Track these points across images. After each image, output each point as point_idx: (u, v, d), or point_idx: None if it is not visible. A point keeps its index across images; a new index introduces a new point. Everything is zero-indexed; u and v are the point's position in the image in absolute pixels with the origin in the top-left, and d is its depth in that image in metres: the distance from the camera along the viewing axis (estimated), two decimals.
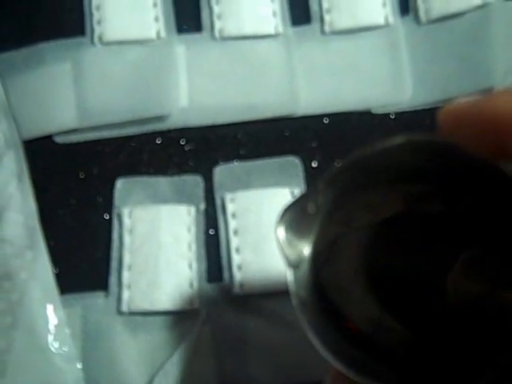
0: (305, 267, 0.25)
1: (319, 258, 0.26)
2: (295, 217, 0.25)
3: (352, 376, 0.21)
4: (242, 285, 0.33)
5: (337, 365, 0.21)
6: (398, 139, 0.22)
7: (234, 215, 0.34)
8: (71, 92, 0.35)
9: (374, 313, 0.26)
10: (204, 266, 0.34)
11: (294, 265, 0.25)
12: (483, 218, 0.25)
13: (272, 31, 0.37)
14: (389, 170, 0.25)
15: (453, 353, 0.23)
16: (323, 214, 0.25)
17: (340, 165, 0.24)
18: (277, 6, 0.37)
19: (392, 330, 0.26)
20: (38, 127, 0.35)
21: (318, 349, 0.21)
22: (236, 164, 0.35)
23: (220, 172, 0.35)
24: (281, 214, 0.25)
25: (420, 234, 0.27)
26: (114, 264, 0.33)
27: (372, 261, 0.27)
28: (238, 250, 0.33)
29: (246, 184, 0.35)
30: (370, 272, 0.27)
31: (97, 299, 0.33)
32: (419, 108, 0.36)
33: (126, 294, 0.33)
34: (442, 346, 0.25)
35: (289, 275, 0.24)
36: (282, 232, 0.25)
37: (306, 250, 0.25)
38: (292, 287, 0.24)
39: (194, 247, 0.34)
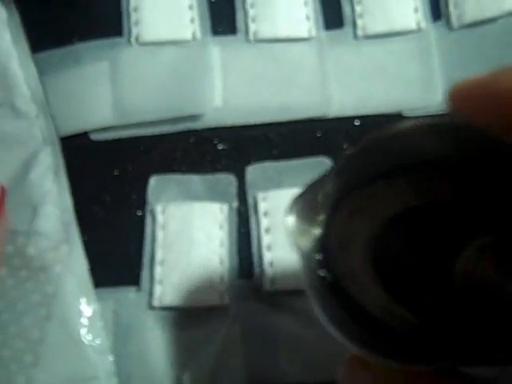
0: (315, 255, 0.25)
1: (331, 247, 0.26)
2: (305, 205, 0.25)
3: (367, 356, 0.21)
4: (272, 281, 0.33)
5: (352, 346, 0.21)
6: (407, 123, 0.22)
7: (265, 214, 0.34)
8: (107, 91, 0.36)
9: (385, 300, 0.26)
10: (235, 262, 0.34)
11: (304, 253, 0.25)
12: (497, 204, 0.25)
13: (305, 34, 0.37)
14: (398, 158, 0.24)
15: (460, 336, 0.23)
16: (332, 203, 0.26)
17: (349, 152, 0.24)
18: (310, 10, 0.38)
19: (402, 316, 0.26)
20: (75, 125, 0.36)
21: (332, 332, 0.21)
22: (268, 164, 0.35)
23: (252, 171, 0.35)
24: (291, 202, 0.25)
25: (428, 222, 0.27)
26: (146, 259, 0.34)
27: (379, 249, 0.27)
28: (269, 248, 0.34)
29: (277, 183, 0.35)
30: (378, 260, 0.27)
31: (129, 293, 0.33)
32: None
33: (157, 289, 0.33)
34: (449, 331, 0.24)
35: (299, 263, 0.24)
36: (292, 220, 0.25)
37: (316, 238, 0.25)
38: (303, 274, 0.24)
39: (226, 244, 0.34)
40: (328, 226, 0.26)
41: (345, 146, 0.36)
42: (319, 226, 0.26)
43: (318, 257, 0.25)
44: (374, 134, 0.24)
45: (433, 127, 0.22)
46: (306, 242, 0.25)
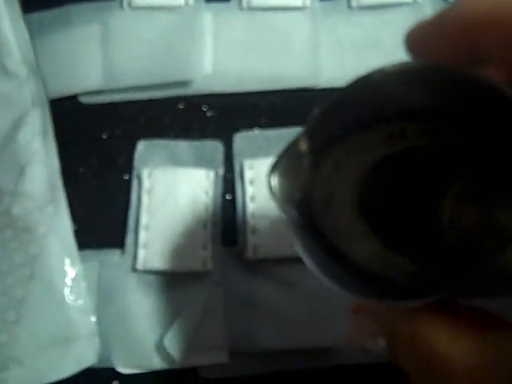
0: (300, 213, 0.25)
1: (316, 205, 0.26)
2: (285, 166, 0.25)
3: (368, 302, 0.22)
4: (255, 249, 0.33)
5: (351, 296, 0.21)
6: (374, 72, 0.22)
7: (251, 182, 0.34)
8: (98, 54, 0.36)
9: (377, 250, 0.26)
10: (219, 229, 0.34)
11: (287, 211, 0.25)
12: (470, 144, 0.25)
13: (299, 4, 0.37)
14: (370, 109, 0.24)
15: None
16: (314, 159, 0.26)
17: (320, 109, 0.24)
18: None
19: (396, 264, 0.26)
20: (64, 87, 0.36)
21: (330, 286, 0.21)
22: (256, 132, 0.35)
23: (240, 139, 0.35)
24: (271, 165, 0.25)
25: (410, 169, 0.27)
26: (131, 223, 0.34)
27: (368, 200, 0.27)
28: (253, 216, 0.34)
29: (264, 152, 0.35)
30: (368, 212, 0.27)
31: (113, 256, 0.34)
32: None
33: (141, 253, 0.33)
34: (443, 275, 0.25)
35: (285, 224, 0.24)
36: (274, 182, 0.25)
37: (299, 196, 0.25)
38: (291, 234, 0.24)
39: (210, 210, 0.34)
40: (311, 184, 0.26)
41: None
42: (301, 185, 0.26)
43: (302, 214, 0.25)
44: (344, 88, 0.23)
45: (397, 73, 0.22)
46: (290, 203, 0.25)
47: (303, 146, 0.25)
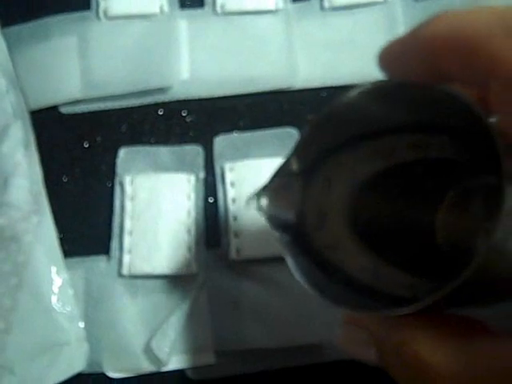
0: (291, 232, 0.26)
1: (308, 222, 0.27)
2: (279, 185, 0.26)
3: (359, 314, 0.22)
4: (238, 250, 0.34)
5: (344, 309, 0.22)
6: (350, 92, 0.23)
7: (232, 184, 0.35)
8: (76, 64, 0.37)
9: (369, 263, 0.27)
10: (202, 232, 0.35)
11: (279, 231, 0.25)
12: (457, 156, 0.26)
13: (272, 7, 0.38)
14: (358, 125, 0.25)
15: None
16: (304, 178, 0.26)
17: (313, 121, 0.25)
18: None
19: (388, 276, 0.27)
20: (45, 98, 0.37)
21: (323, 300, 0.22)
22: (235, 135, 0.36)
23: (220, 142, 0.36)
24: (265, 183, 0.26)
25: (403, 184, 0.28)
26: (115, 229, 0.35)
27: (360, 215, 0.28)
28: (235, 218, 0.34)
29: (244, 154, 0.36)
30: (360, 225, 0.27)
31: (99, 263, 0.34)
32: None
33: (126, 258, 0.34)
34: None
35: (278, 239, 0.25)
36: (265, 203, 0.26)
37: (292, 214, 0.26)
38: (282, 247, 0.25)
39: (193, 214, 0.35)
40: (303, 201, 0.27)
41: (310, 117, 0.36)
42: (294, 204, 0.26)
43: (294, 233, 0.26)
44: (324, 109, 0.24)
45: (370, 92, 0.23)
46: (283, 223, 0.26)
47: (294, 166, 0.26)
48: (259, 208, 0.26)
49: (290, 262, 0.24)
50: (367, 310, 0.22)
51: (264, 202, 0.26)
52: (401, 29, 0.37)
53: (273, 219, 0.26)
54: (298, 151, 0.26)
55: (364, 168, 0.28)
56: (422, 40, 0.20)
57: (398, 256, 0.28)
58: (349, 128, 0.25)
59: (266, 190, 0.26)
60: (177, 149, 0.36)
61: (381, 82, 0.22)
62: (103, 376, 0.33)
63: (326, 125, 0.25)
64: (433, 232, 0.28)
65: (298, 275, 0.24)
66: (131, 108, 0.37)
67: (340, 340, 0.23)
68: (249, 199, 0.25)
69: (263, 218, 0.26)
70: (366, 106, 0.24)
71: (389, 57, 0.22)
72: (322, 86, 0.37)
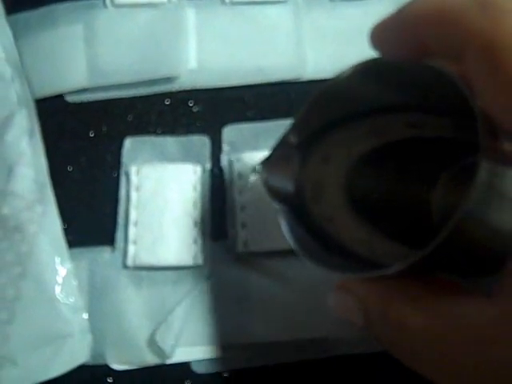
0: (290, 203, 0.26)
1: (305, 196, 0.27)
2: (278, 157, 0.27)
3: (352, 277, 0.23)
4: (245, 242, 0.33)
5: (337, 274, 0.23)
6: (343, 72, 0.24)
7: (240, 175, 0.35)
8: (83, 53, 0.36)
9: (364, 235, 0.27)
10: (209, 223, 0.34)
11: (279, 201, 0.26)
12: (452, 133, 0.26)
13: None
14: (354, 103, 0.26)
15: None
16: (303, 152, 0.26)
17: (304, 107, 0.26)
18: None
19: (383, 248, 0.27)
20: (50, 86, 0.36)
21: (315, 264, 0.23)
22: (243, 125, 0.36)
23: (228, 132, 0.36)
24: (265, 155, 0.26)
25: (399, 161, 0.28)
26: (120, 220, 0.34)
27: (357, 189, 0.28)
28: (242, 209, 0.34)
29: (253, 145, 0.35)
30: (357, 200, 0.27)
31: (103, 253, 0.34)
32: None
33: (131, 249, 0.33)
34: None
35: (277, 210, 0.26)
36: (266, 171, 0.27)
37: (290, 186, 0.27)
38: (281, 218, 0.25)
39: (199, 205, 0.34)
40: (301, 175, 0.27)
41: None
42: (292, 176, 0.26)
43: (292, 203, 0.26)
44: (321, 87, 0.24)
45: (363, 70, 0.24)
46: (282, 193, 0.26)
47: (292, 139, 0.26)
48: (261, 179, 0.27)
49: (285, 230, 0.25)
50: (352, 272, 0.23)
51: (264, 173, 0.27)
52: None
53: (272, 190, 0.27)
54: (297, 125, 0.26)
55: (360, 144, 0.28)
56: (406, 17, 0.22)
57: (394, 229, 0.28)
58: (345, 105, 0.26)
59: (265, 161, 0.27)
60: (183, 139, 0.35)
61: (371, 60, 0.23)
62: (107, 368, 0.32)
63: (323, 102, 0.25)
64: (428, 208, 0.29)
65: (292, 243, 0.25)
66: (138, 97, 0.36)
67: (332, 303, 0.25)
68: (250, 171, 0.26)
69: (263, 188, 0.27)
70: (361, 85, 0.24)
71: (379, 35, 0.23)
72: (331, 76, 0.36)
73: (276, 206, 0.26)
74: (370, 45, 0.24)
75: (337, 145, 0.28)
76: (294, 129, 0.26)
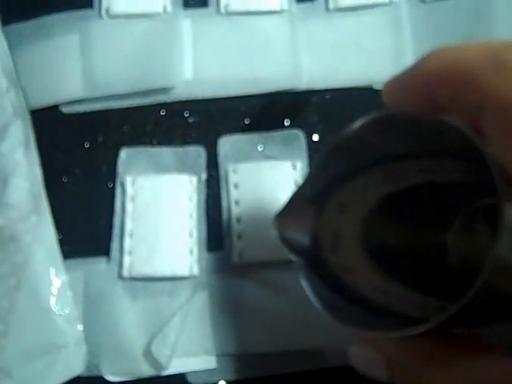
0: (307, 256, 0.26)
1: (322, 246, 0.27)
2: (294, 211, 0.27)
3: (374, 335, 0.23)
4: (241, 253, 0.33)
5: (358, 331, 0.23)
6: (356, 122, 0.24)
7: (236, 186, 0.35)
8: (78, 63, 0.36)
9: (382, 283, 0.27)
10: (204, 234, 0.34)
11: (297, 253, 0.26)
12: (465, 181, 0.26)
13: (277, 7, 0.37)
14: (366, 153, 0.26)
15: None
16: (318, 203, 0.27)
17: (318, 158, 0.26)
18: None
19: (400, 296, 0.27)
20: (45, 97, 0.36)
21: (336, 321, 0.23)
22: (239, 136, 0.36)
23: (224, 143, 0.36)
24: (279, 209, 0.26)
25: (413, 207, 0.28)
26: (116, 231, 0.34)
27: (373, 238, 0.28)
28: (238, 220, 0.34)
29: (248, 156, 0.35)
30: (374, 248, 0.28)
31: (99, 264, 0.34)
32: None
33: (127, 260, 0.33)
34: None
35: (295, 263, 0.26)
36: (280, 226, 0.27)
37: (307, 239, 0.27)
38: (300, 272, 0.25)
39: (194, 216, 0.34)
40: (317, 226, 0.27)
41: (315, 119, 0.36)
42: (308, 228, 0.27)
43: (310, 256, 0.26)
44: (333, 139, 0.25)
45: (375, 123, 0.24)
46: (298, 248, 0.26)
47: (307, 193, 0.26)
48: (277, 234, 0.27)
49: (305, 285, 0.25)
50: (375, 331, 0.23)
51: (279, 226, 0.27)
52: (406, 31, 0.37)
53: (288, 243, 0.27)
54: (311, 178, 0.26)
55: (374, 191, 0.28)
56: (419, 75, 0.22)
57: (410, 276, 0.28)
58: (358, 156, 0.26)
59: (280, 215, 0.27)
60: (179, 150, 0.35)
61: (383, 112, 0.23)
62: (102, 380, 0.32)
63: (336, 154, 0.26)
64: (444, 253, 0.29)
65: (313, 298, 0.25)
66: (133, 108, 0.36)
67: (354, 358, 0.24)
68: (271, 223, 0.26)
69: (282, 244, 0.27)
70: (373, 135, 0.25)
71: (391, 91, 0.24)
72: (327, 87, 0.37)
73: (293, 259, 0.26)
74: (383, 99, 0.24)
75: (351, 193, 0.28)
76: (308, 182, 0.26)
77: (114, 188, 0.35)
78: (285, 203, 0.26)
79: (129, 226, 0.34)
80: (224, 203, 0.35)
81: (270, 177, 0.35)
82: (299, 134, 0.35)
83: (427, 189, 0.28)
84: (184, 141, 0.36)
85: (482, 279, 0.18)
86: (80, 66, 0.36)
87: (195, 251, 0.34)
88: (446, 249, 0.29)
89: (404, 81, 0.23)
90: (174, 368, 0.32)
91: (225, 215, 0.34)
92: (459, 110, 0.21)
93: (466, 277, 0.27)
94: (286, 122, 0.36)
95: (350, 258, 0.28)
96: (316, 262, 0.27)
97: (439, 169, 0.27)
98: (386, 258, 0.28)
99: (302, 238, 0.27)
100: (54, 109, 0.36)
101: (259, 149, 0.35)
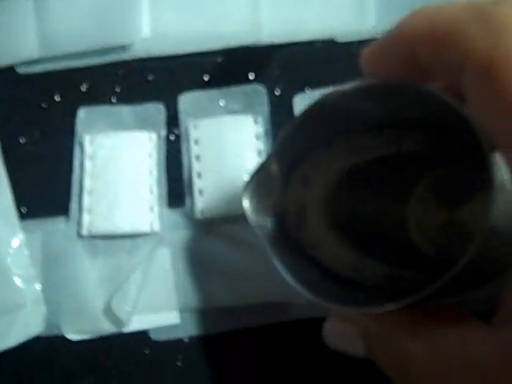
0: (272, 229, 0.26)
1: (288, 221, 0.27)
2: (257, 187, 0.26)
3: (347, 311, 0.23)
4: (202, 209, 0.33)
5: (331, 306, 0.23)
6: (332, 92, 0.23)
7: (196, 141, 0.34)
8: (33, 22, 0.36)
9: (349, 257, 0.27)
10: (165, 191, 0.34)
11: (262, 229, 0.26)
12: (431, 149, 0.26)
13: None
14: (333, 125, 0.25)
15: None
16: (283, 178, 0.26)
17: (285, 130, 0.25)
18: None
19: (369, 269, 0.27)
20: (0, 58, 0.35)
21: (308, 297, 0.23)
22: (200, 92, 0.35)
23: (184, 99, 0.35)
24: (243, 186, 0.26)
25: (377, 178, 0.28)
26: (74, 190, 0.33)
27: (339, 211, 0.28)
28: (199, 176, 0.33)
29: (209, 112, 0.35)
30: (340, 221, 0.27)
31: (58, 224, 0.33)
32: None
33: (86, 218, 0.33)
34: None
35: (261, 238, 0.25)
36: (246, 202, 0.26)
37: (272, 213, 0.27)
38: (267, 247, 0.25)
39: (155, 173, 0.34)
40: (283, 200, 0.27)
41: (277, 73, 0.35)
42: (274, 203, 0.26)
43: (275, 230, 0.26)
44: (304, 109, 0.24)
45: (353, 92, 0.23)
46: (264, 222, 0.26)
47: (273, 168, 0.26)
48: (243, 207, 0.26)
49: (275, 260, 0.25)
50: (355, 308, 0.22)
51: (246, 202, 0.26)
52: None
53: (255, 219, 0.26)
54: (276, 153, 0.26)
55: (340, 164, 0.28)
56: (400, 35, 0.21)
57: (378, 249, 0.28)
58: (324, 128, 0.26)
59: (245, 189, 0.26)
60: (138, 107, 0.35)
61: (360, 83, 0.23)
62: (62, 339, 0.31)
63: (302, 127, 0.25)
64: (406, 226, 0.29)
65: (285, 275, 0.24)
66: (91, 67, 0.36)
67: (328, 334, 0.24)
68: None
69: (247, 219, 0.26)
70: (342, 107, 0.24)
71: (369, 58, 0.23)
72: (289, 41, 0.36)
73: (260, 233, 0.25)
74: (361, 67, 0.23)
75: (316, 166, 0.27)
76: (273, 157, 0.26)
77: (72, 148, 0.34)
78: (250, 176, 0.26)
79: (88, 184, 0.33)
80: (185, 159, 0.34)
81: (231, 131, 0.34)
82: (261, 88, 0.35)
83: (392, 160, 0.27)
84: (144, 99, 0.35)
85: (476, 243, 0.18)
86: (35, 25, 0.35)
87: (156, 208, 0.33)
88: (406, 221, 0.29)
89: (384, 45, 0.22)
90: (135, 325, 0.32)
91: (185, 171, 0.34)
92: (440, 71, 0.20)
93: (430, 247, 0.27)
94: (251, 76, 0.35)
95: (315, 233, 0.27)
96: (284, 238, 0.26)
97: (405, 139, 0.27)
98: (352, 231, 0.28)
99: (269, 214, 0.26)
100: (9, 70, 0.35)
101: (221, 104, 0.35)
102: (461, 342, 0.19)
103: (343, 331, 0.23)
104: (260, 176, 0.26)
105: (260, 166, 0.26)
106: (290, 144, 0.25)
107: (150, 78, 0.36)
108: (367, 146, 0.27)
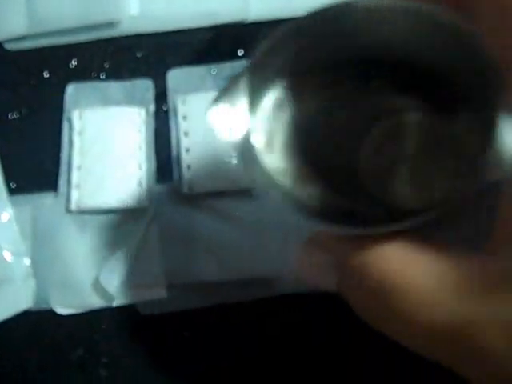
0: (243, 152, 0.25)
1: (257, 144, 0.26)
2: (228, 102, 0.25)
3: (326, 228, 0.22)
4: (190, 184, 0.33)
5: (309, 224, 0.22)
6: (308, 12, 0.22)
7: (185, 117, 0.34)
8: None
9: (315, 190, 0.27)
10: (153, 166, 0.34)
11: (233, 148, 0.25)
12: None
13: None
14: (308, 54, 0.24)
15: None
16: (254, 99, 0.26)
17: (264, 43, 0.24)
18: None
19: (334, 204, 0.26)
20: None
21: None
22: (188, 68, 0.35)
23: (173, 75, 0.35)
24: (213, 100, 0.25)
25: (345, 114, 0.27)
26: (63, 166, 0.34)
27: (308, 142, 0.27)
28: (187, 151, 0.33)
29: (198, 87, 0.35)
30: (308, 153, 0.27)
31: (46, 199, 0.33)
32: None
33: (74, 193, 0.33)
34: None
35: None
36: (216, 118, 0.24)
37: (241, 134, 0.26)
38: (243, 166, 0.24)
39: (143, 148, 0.34)
40: (252, 122, 0.26)
41: None
42: (242, 124, 0.26)
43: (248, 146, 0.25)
44: (274, 32, 0.23)
45: (325, 16, 0.22)
46: (232, 141, 0.25)
47: (242, 86, 0.25)
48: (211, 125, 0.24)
49: (247, 173, 0.24)
50: (347, 227, 0.21)
51: (214, 119, 0.24)
52: None
53: (224, 138, 0.24)
54: (248, 72, 0.24)
55: (311, 96, 0.27)
56: None
57: (342, 185, 0.27)
58: (298, 55, 0.25)
59: (215, 107, 0.24)
60: (127, 83, 0.35)
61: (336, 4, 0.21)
62: (52, 313, 0.32)
63: (276, 50, 0.24)
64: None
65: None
66: (80, 44, 0.36)
67: (298, 264, 0.22)
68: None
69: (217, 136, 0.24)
70: (319, 33, 0.23)
71: None
72: (276, 18, 0.36)
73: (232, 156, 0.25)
74: None
75: (288, 94, 0.27)
76: (243, 76, 0.25)
77: (61, 123, 0.34)
78: (219, 92, 0.24)
79: (76, 159, 0.33)
80: (173, 135, 0.34)
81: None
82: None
83: (363, 96, 0.27)
84: (133, 75, 0.35)
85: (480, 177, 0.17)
86: (23, 1, 0.35)
87: (144, 183, 0.33)
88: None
89: None
90: (123, 299, 0.32)
91: (174, 147, 0.34)
92: None
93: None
94: (240, 53, 0.35)
95: (283, 161, 0.27)
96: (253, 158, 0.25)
97: (374, 78, 0.26)
98: (319, 164, 0.27)
99: (237, 133, 0.24)
100: None
101: (209, 80, 0.35)
102: (454, 266, 0.18)
103: (317, 262, 0.22)
104: (230, 93, 0.24)
105: (230, 82, 0.24)
106: (262, 67, 0.24)
107: (139, 54, 0.36)
108: (338, 81, 0.26)
